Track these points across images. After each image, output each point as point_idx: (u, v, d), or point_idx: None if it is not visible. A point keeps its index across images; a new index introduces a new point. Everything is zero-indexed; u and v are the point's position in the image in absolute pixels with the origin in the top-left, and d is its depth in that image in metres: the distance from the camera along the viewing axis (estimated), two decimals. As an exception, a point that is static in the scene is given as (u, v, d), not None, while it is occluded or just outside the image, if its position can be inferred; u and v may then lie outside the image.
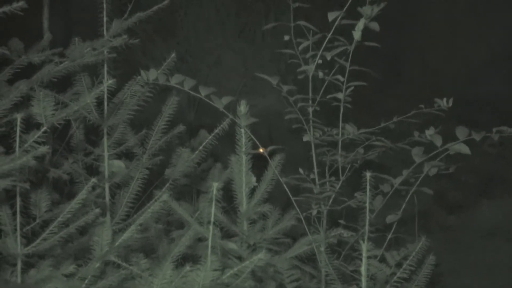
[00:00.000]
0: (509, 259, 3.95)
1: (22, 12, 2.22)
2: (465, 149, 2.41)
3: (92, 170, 2.65)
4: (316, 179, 2.56)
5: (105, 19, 2.49)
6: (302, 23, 2.54)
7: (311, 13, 2.47)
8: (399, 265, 2.41)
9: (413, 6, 6.02)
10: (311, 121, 2.57)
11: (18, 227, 2.13)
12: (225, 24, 4.62)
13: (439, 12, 6.20)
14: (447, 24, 6.18)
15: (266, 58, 2.56)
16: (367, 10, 2.38)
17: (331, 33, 2.48)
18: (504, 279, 3.90)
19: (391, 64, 4.53)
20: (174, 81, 2.40)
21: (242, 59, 3.26)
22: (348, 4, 2.39)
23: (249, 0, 4.53)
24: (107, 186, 2.54)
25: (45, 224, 2.22)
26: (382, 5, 2.43)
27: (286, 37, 2.60)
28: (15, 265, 2.16)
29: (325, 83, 2.55)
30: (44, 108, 2.20)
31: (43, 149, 2.09)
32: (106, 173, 2.57)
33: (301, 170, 2.59)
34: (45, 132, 2.15)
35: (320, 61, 2.51)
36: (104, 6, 2.47)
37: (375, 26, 2.43)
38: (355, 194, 2.52)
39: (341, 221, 2.65)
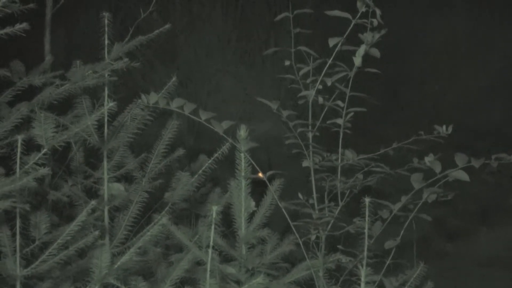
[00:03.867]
0: (508, 288, 3.99)
1: (24, 34, 2.22)
2: (464, 176, 2.39)
3: (92, 193, 2.65)
4: (315, 204, 2.57)
5: (106, 42, 2.50)
6: (303, 48, 2.57)
7: (312, 38, 2.47)
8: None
9: (414, 33, 6.02)
10: (310, 147, 2.58)
11: (17, 248, 2.11)
12: (225, 50, 4.60)
13: (439, 39, 6.19)
14: (448, 51, 6.16)
15: (266, 84, 2.59)
16: (368, 37, 2.40)
17: (331, 58, 2.48)
18: (501, 308, 3.94)
19: (391, 90, 4.51)
20: (174, 105, 2.42)
21: (242, 84, 3.27)
22: (349, 30, 2.41)
23: (249, 26, 4.57)
24: (106, 209, 2.53)
25: (45, 246, 2.19)
26: (383, 31, 2.44)
27: (287, 62, 2.60)
28: (14, 286, 2.13)
29: (325, 109, 2.58)
30: (44, 130, 2.21)
31: (44, 171, 2.08)
32: (106, 196, 2.55)
33: (300, 195, 2.60)
34: (45, 154, 2.16)
35: (320, 87, 2.52)
36: (106, 29, 2.49)
37: (375, 52, 2.45)
38: (354, 220, 2.51)
39: (340, 247, 2.64)
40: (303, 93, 2.55)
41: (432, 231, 3.58)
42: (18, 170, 2.10)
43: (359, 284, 2.07)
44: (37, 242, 2.25)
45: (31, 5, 2.28)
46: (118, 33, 2.68)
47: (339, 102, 2.53)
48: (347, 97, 2.51)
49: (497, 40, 6.20)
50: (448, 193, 2.55)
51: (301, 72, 2.56)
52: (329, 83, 2.51)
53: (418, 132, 2.61)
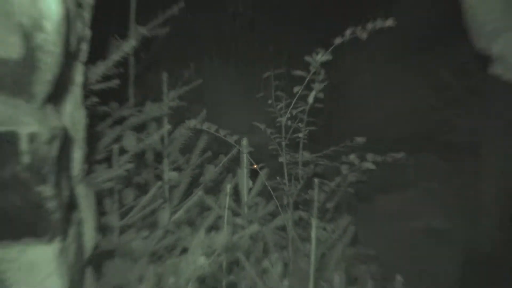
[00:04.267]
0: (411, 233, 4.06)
1: (116, 86, 2.47)
2: (371, 166, 2.56)
3: (158, 177, 2.75)
4: (287, 183, 2.71)
5: (165, 91, 2.66)
6: (279, 93, 2.70)
7: (285, 87, 2.72)
8: (333, 232, 2.65)
9: (346, 78, 5.77)
10: (284, 150, 2.67)
11: (116, 210, 2.32)
12: (234, 93, 4.93)
13: (365, 79, 6.03)
14: (372, 86, 6.01)
15: (259, 113, 2.77)
16: (317, 86, 2.52)
17: (295, 99, 2.58)
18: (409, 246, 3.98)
19: (331, 115, 4.80)
20: (204, 126, 2.55)
21: (244, 113, 3.41)
22: (305, 82, 2.48)
23: (249, 79, 4.87)
24: (167, 187, 2.70)
25: (131, 209, 2.42)
26: (326, 83, 2.51)
27: (270, 101, 2.72)
28: (114, 232, 2.31)
29: (292, 128, 2.65)
30: (130, 142, 2.51)
31: (129, 166, 2.38)
32: (166, 179, 2.71)
33: (278, 178, 2.75)
34: (130, 155, 2.44)
35: (289, 115, 2.63)
36: (165, 83, 2.66)
37: (321, 95, 2.55)
38: (308, 191, 2.68)
39: (301, 207, 2.80)
40: (279, 119, 2.66)
41: (354, 198, 3.37)
42: (114, 164, 2.32)
43: (312, 229, 2.10)
44: (126, 206, 2.42)
45: (120, 70, 2.46)
46: (174, 82, 2.80)
47: (300, 124, 2.63)
48: (305, 121, 2.61)
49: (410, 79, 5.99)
50: (363, 176, 2.67)
51: (278, 107, 2.68)
52: (294, 113, 2.63)
53: (346, 141, 2.72)
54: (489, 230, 3.12)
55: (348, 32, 2.37)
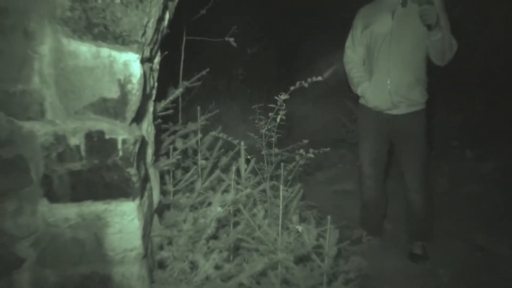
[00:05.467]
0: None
1: (171, 113, 2.36)
2: (311, 155, 2.34)
3: (195, 163, 2.52)
4: (266, 166, 2.61)
5: (198, 116, 2.49)
6: (261, 117, 2.59)
7: (264, 112, 2.55)
8: (292, 192, 2.47)
9: (298, 105, 5.03)
10: (264, 147, 2.57)
11: (171, 180, 2.15)
12: (236, 116, 4.74)
13: (309, 108, 5.66)
14: (312, 111, 5.69)
15: (251, 127, 2.73)
16: (281, 113, 2.33)
17: (270, 120, 2.46)
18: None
19: (290, 128, 4.50)
20: (220, 135, 2.44)
21: (243, 128, 3.33)
22: (275, 110, 2.33)
23: (244, 108, 4.70)
24: (199, 169, 2.43)
25: (179, 181, 2.25)
26: (286, 111, 2.30)
27: (256, 121, 2.63)
28: (169, 194, 2.14)
29: (268, 135, 2.55)
30: (179, 144, 2.41)
31: (178, 157, 2.23)
32: (199, 164, 2.44)
33: (261, 163, 2.64)
34: (179, 151, 2.29)
35: (267, 128, 2.52)
36: (198, 112, 2.48)
37: (283, 117, 2.35)
38: (278, 170, 2.48)
39: (274, 179, 2.64)
40: (261, 130, 2.55)
41: (302, 173, 3.43)
42: (171, 155, 2.20)
43: (279, 192, 1.94)
44: (176, 179, 2.26)
45: (174, 104, 2.34)
46: (203, 111, 2.58)
47: (272, 133, 2.51)
48: (275, 131, 2.50)
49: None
50: (307, 160, 2.44)
51: (261, 124, 2.58)
52: (269, 127, 2.51)
53: (297, 142, 2.59)
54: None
55: (297, 83, 2.29)
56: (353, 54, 2.80)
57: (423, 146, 2.70)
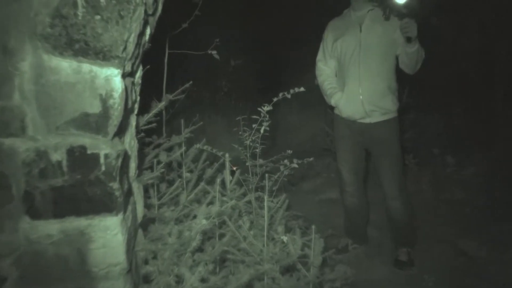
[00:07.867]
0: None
1: (154, 127, 2.31)
2: (296, 165, 2.28)
3: (179, 176, 2.45)
4: (251, 175, 2.56)
5: (183, 128, 2.43)
6: (245, 128, 2.50)
7: (248, 124, 2.52)
8: (277, 203, 2.45)
9: (282, 117, 5.36)
10: (248, 158, 2.52)
11: (155, 194, 2.16)
12: (221, 128, 4.62)
13: (294, 120, 5.67)
14: (294, 124, 5.68)
15: (235, 139, 2.70)
16: (265, 124, 2.34)
17: (253, 131, 2.42)
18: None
19: (274, 139, 4.51)
20: (205, 147, 2.39)
21: (227, 139, 3.36)
22: (258, 122, 2.33)
23: (229, 120, 4.67)
24: (184, 181, 2.38)
25: (164, 194, 2.22)
26: (269, 122, 2.32)
27: (240, 133, 2.53)
28: (153, 208, 2.13)
29: (252, 146, 2.48)
30: (163, 157, 2.31)
31: (162, 170, 2.20)
32: (184, 177, 2.41)
33: (246, 175, 2.58)
34: (163, 164, 2.25)
35: (251, 139, 2.46)
36: (182, 125, 2.46)
37: (267, 128, 2.35)
38: (263, 181, 2.46)
39: (259, 190, 2.62)
40: (245, 142, 2.46)
41: (287, 184, 3.44)
42: (155, 168, 2.13)
43: (264, 202, 1.99)
44: (161, 193, 2.21)
45: (157, 117, 2.28)
46: (187, 123, 2.54)
47: (257, 144, 2.45)
48: (259, 143, 2.45)
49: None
50: (291, 171, 2.41)
51: (245, 135, 2.48)
52: (253, 139, 2.45)
53: (282, 153, 2.50)
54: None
55: (280, 94, 2.31)
56: (324, 67, 2.86)
57: (398, 153, 2.73)
